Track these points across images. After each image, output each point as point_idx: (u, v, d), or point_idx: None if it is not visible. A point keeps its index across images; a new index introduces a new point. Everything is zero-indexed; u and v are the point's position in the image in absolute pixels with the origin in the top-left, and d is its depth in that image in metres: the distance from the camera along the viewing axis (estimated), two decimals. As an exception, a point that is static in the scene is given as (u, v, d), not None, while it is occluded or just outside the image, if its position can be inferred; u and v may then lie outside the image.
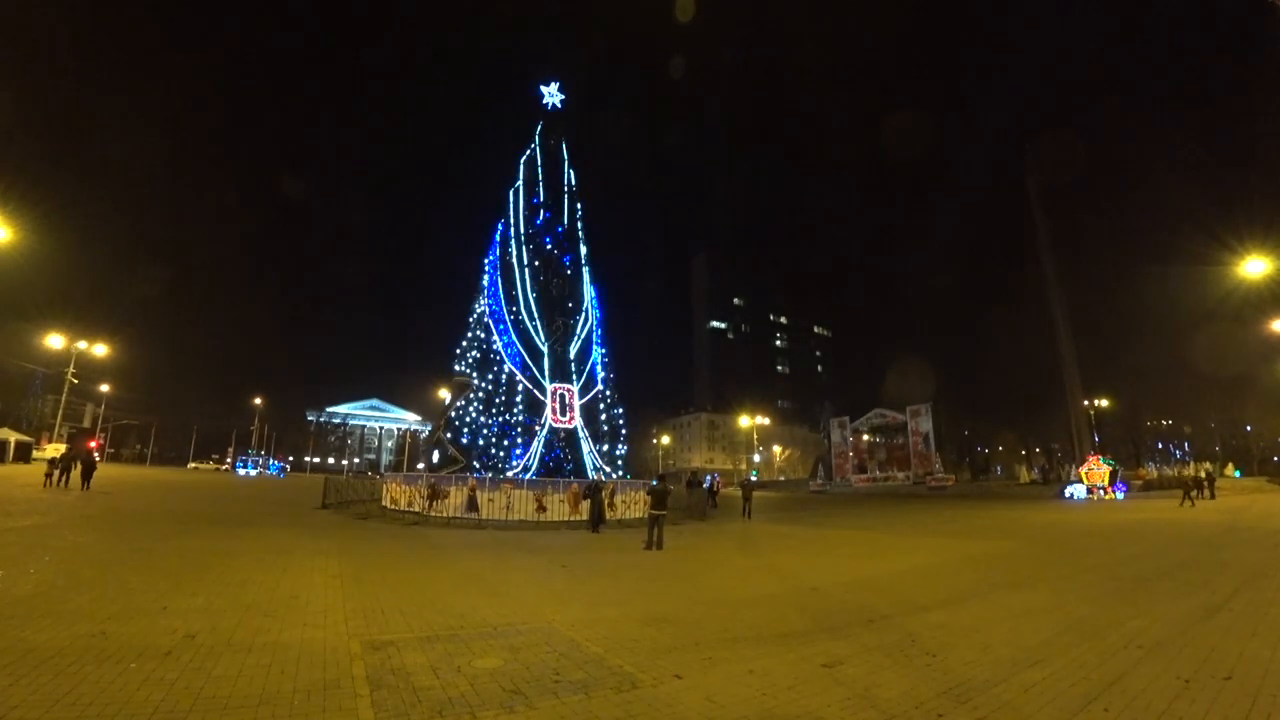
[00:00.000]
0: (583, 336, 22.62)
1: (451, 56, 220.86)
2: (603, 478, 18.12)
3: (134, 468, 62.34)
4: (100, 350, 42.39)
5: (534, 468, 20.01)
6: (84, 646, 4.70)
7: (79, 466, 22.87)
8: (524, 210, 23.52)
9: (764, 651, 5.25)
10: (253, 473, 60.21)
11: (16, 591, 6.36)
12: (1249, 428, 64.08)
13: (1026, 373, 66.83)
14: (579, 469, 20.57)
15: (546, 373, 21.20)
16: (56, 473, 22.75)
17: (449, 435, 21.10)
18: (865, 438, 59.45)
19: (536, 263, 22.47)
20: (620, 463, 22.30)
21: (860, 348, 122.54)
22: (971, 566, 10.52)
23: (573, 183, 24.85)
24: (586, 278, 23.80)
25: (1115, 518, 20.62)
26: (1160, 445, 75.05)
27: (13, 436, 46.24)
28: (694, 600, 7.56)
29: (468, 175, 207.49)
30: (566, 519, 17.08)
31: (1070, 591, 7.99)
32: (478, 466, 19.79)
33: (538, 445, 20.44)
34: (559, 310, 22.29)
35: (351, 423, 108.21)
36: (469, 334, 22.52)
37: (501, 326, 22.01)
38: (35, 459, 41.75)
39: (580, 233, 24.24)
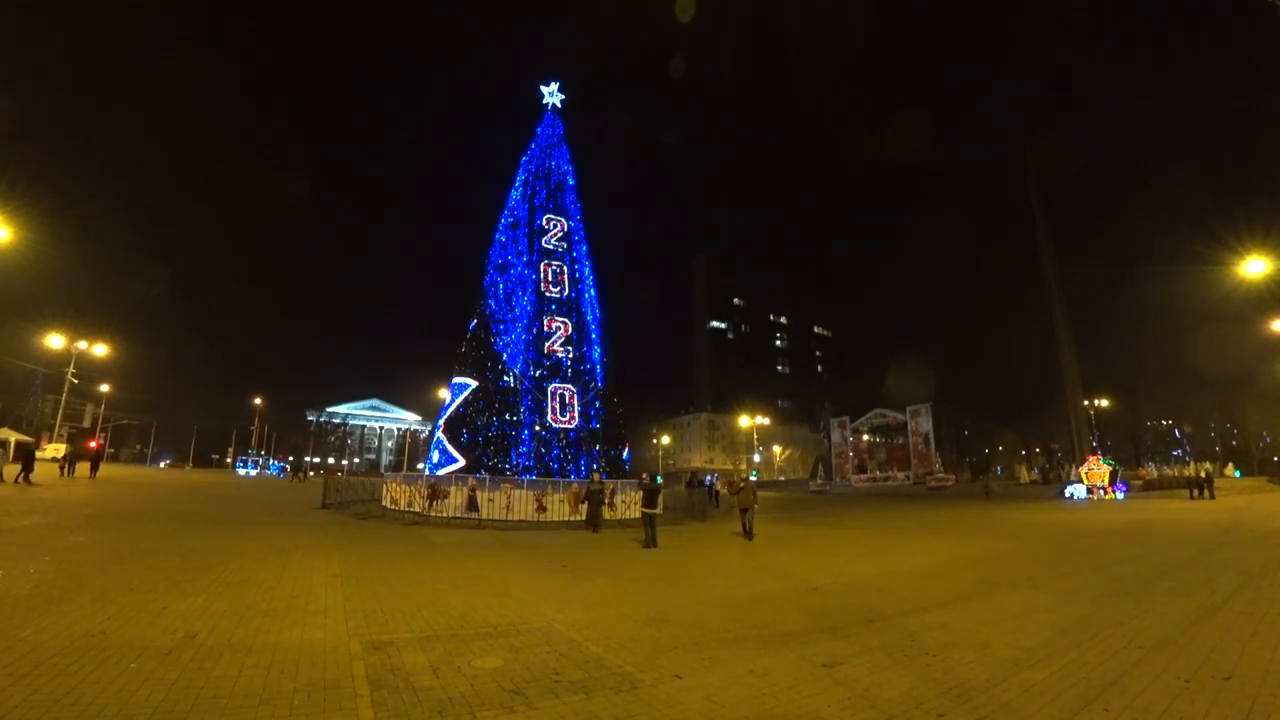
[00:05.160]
0: (582, 336, 22.61)
1: (452, 56, 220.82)
2: (601, 477, 18.09)
3: (134, 468, 62.37)
4: (100, 350, 42.37)
5: (534, 468, 20.00)
6: (84, 646, 4.69)
7: (88, 460, 29.58)
8: (524, 210, 23.51)
9: (764, 651, 5.25)
10: (253, 473, 60.18)
11: (16, 591, 6.35)
12: (1257, 420, 63.88)
13: (1026, 373, 67.04)
14: (579, 469, 20.56)
15: (546, 373, 21.20)
16: (66, 466, 28.11)
17: (449, 435, 21.09)
18: (865, 438, 59.44)
19: (536, 262, 22.46)
20: (621, 463, 22.28)
21: (860, 348, 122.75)
22: (971, 566, 10.52)
23: (573, 182, 24.85)
24: (587, 277, 23.79)
25: (1115, 518, 20.61)
26: (1160, 445, 75.05)
27: (13, 436, 46.20)
28: (694, 600, 7.56)
29: (468, 175, 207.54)
30: (566, 519, 17.07)
31: (1070, 591, 7.99)
32: (481, 472, 19.78)
33: (538, 445, 20.44)
34: (559, 310, 22.28)
35: (351, 423, 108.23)
36: (469, 334, 22.50)
37: (501, 326, 21.99)
38: (36, 459, 41.68)
39: (580, 232, 24.23)
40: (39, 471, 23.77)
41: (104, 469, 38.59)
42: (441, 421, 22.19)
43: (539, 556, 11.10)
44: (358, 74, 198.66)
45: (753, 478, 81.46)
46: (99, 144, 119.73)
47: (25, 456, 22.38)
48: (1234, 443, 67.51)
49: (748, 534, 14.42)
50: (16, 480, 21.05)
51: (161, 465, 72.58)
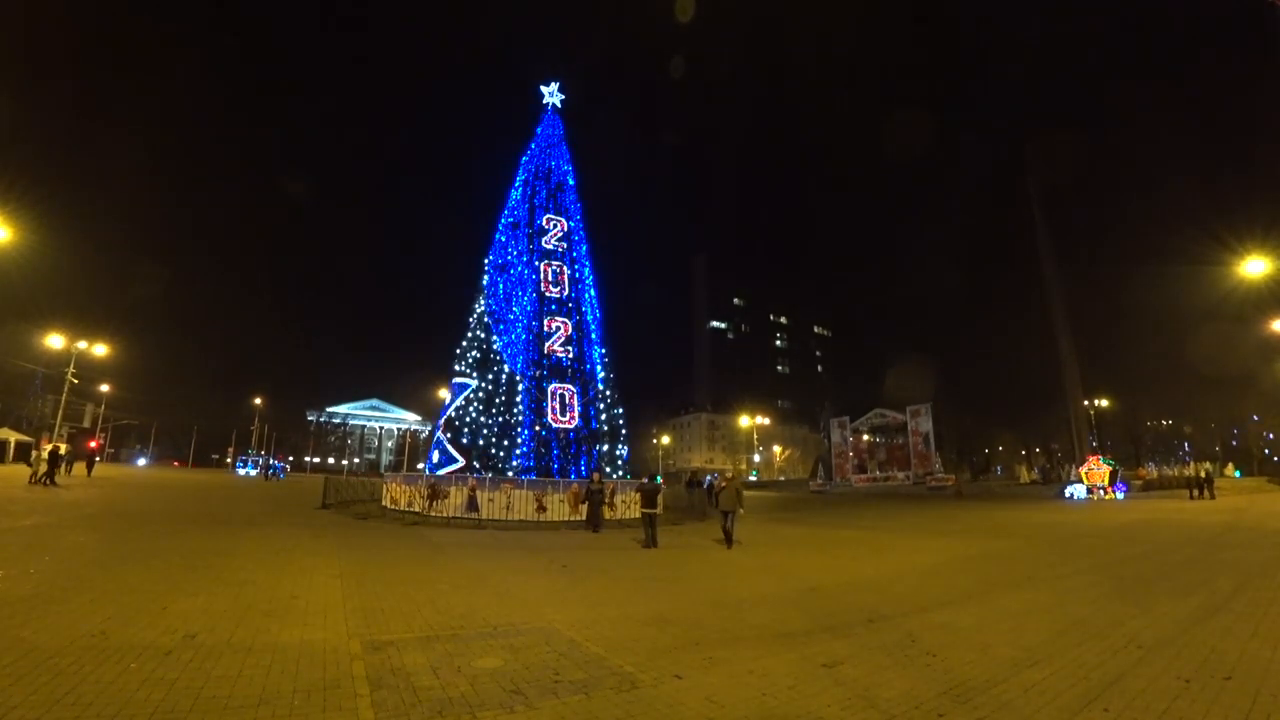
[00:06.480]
0: (582, 336, 22.61)
1: (452, 56, 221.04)
2: (601, 477, 18.09)
3: (133, 468, 62.37)
4: (100, 350, 42.27)
5: (534, 468, 20.00)
6: (84, 646, 4.70)
7: (85, 460, 31.36)
8: (524, 210, 23.51)
9: (764, 651, 5.25)
10: (252, 473, 60.12)
11: (16, 591, 6.36)
12: (1255, 418, 63.97)
13: (1026, 372, 66.86)
14: (579, 469, 20.56)
15: (546, 373, 21.20)
16: (63, 465, 27.35)
17: (449, 435, 21.09)
18: (865, 438, 59.40)
19: (536, 262, 22.47)
20: (621, 463, 22.28)
21: (860, 348, 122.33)
22: (971, 566, 10.52)
23: (573, 182, 24.85)
24: (587, 277, 23.79)
25: (1115, 518, 20.61)
26: (1160, 445, 75.03)
27: (13, 436, 46.21)
28: (694, 600, 7.56)
29: (468, 175, 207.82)
30: (566, 519, 17.07)
31: (1070, 591, 8.00)
32: (478, 466, 19.79)
33: (538, 445, 20.43)
34: (559, 310, 22.29)
35: (351, 423, 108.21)
36: (469, 334, 22.50)
37: (501, 326, 21.99)
38: (60, 461, 41.84)
39: (580, 232, 24.23)
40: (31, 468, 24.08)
41: (101, 469, 38.88)
42: (441, 421, 22.19)
43: (539, 556, 11.10)
44: (358, 74, 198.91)
45: (752, 477, 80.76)
46: (99, 144, 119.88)
47: (51, 458, 23.41)
48: (1234, 443, 67.46)
49: (728, 540, 12.76)
50: (42, 481, 21.92)
51: (139, 464, 72.30)
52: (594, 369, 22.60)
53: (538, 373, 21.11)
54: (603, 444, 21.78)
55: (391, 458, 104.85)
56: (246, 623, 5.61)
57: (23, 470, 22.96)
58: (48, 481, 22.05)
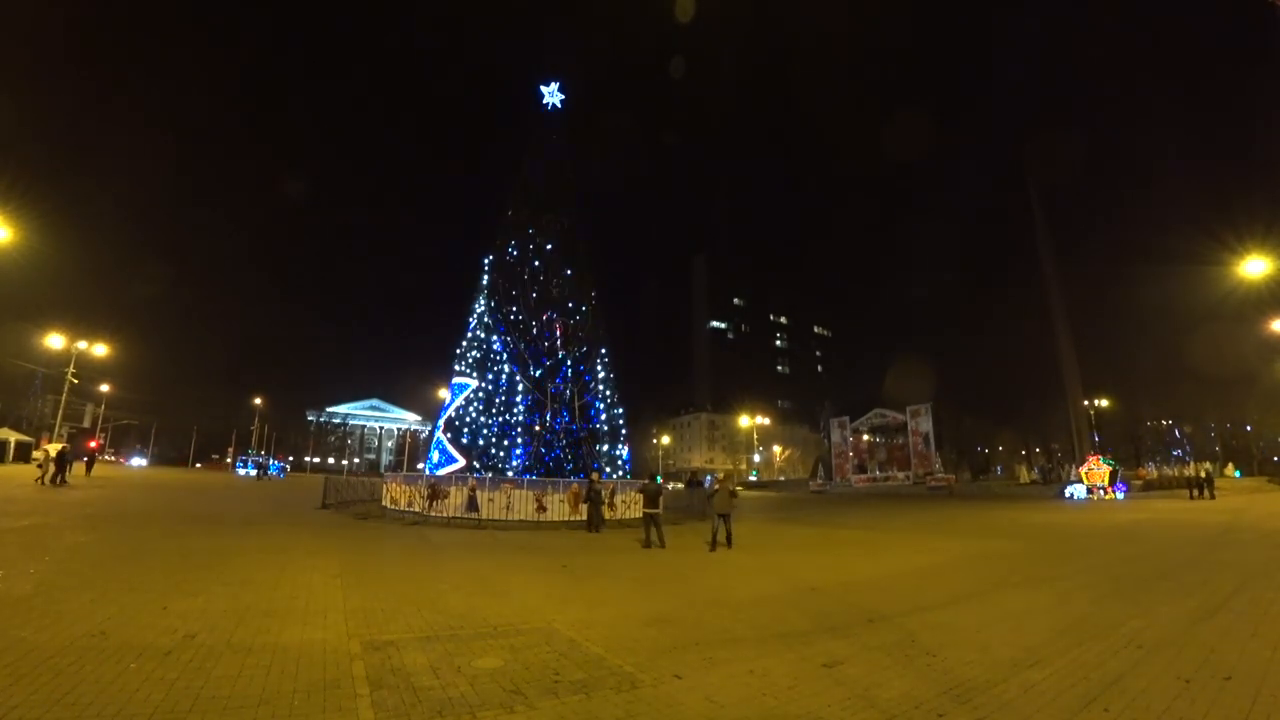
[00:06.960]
0: (583, 337, 22.60)
1: (452, 57, 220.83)
2: (601, 478, 18.05)
3: (133, 469, 62.33)
4: (100, 350, 42.26)
5: (534, 468, 19.99)
6: (84, 646, 4.70)
7: (84, 460, 31.44)
8: (524, 210, 23.50)
9: (764, 651, 5.25)
10: (252, 473, 60.09)
11: (16, 591, 6.36)
12: (1249, 427, 64.27)
13: (1026, 373, 66.97)
14: (579, 469, 20.55)
15: (546, 373, 21.20)
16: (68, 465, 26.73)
17: (449, 435, 21.09)
18: (865, 438, 59.41)
19: (536, 262, 22.47)
20: (621, 463, 22.27)
21: (860, 348, 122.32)
22: (971, 566, 10.52)
23: (573, 182, 24.87)
24: (587, 278, 23.81)
25: (1115, 518, 20.61)
26: (1160, 445, 75.05)
27: (13, 436, 46.19)
28: (694, 600, 7.56)
29: (468, 175, 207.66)
30: (566, 519, 17.06)
31: (1070, 591, 8.00)
32: (478, 466, 19.79)
33: (538, 445, 20.43)
34: (559, 310, 22.28)
35: (351, 423, 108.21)
36: (469, 334, 22.49)
37: (501, 326, 21.99)
38: (35, 459, 41.91)
39: (581, 232, 24.24)
40: (40, 470, 24.10)
41: (99, 468, 38.95)
42: (441, 421, 22.19)
43: (539, 556, 11.10)
44: (357, 74, 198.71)
45: (752, 477, 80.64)
46: (99, 144, 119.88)
47: (59, 459, 23.60)
48: (1234, 443, 67.46)
49: (726, 542, 12.32)
50: (53, 481, 21.71)
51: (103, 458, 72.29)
52: (594, 369, 22.60)
53: (538, 373, 21.11)
54: (603, 444, 21.77)
55: (391, 458, 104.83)
56: (246, 623, 5.61)
57: (23, 470, 23.04)
58: (59, 481, 22.15)
